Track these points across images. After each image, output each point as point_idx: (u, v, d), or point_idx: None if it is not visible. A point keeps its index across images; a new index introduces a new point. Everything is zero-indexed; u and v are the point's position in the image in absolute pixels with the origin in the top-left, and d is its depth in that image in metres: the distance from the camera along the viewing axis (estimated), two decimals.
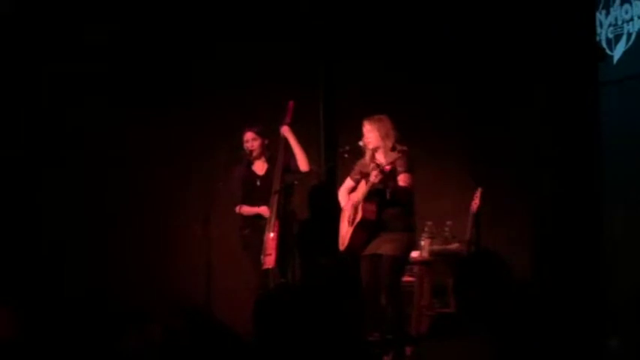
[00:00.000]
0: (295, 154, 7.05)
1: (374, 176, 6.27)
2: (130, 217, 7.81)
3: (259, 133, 7.17)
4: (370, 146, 6.51)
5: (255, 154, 7.18)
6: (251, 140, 7.16)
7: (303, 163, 7.05)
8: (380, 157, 6.47)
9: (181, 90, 7.82)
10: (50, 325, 6.85)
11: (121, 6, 7.72)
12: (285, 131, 7.10)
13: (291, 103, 7.20)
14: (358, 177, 6.66)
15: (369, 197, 6.43)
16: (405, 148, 6.31)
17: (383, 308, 6.41)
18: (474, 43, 7.61)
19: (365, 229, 6.48)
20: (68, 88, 7.72)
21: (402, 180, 6.37)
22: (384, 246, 6.42)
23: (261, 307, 2.76)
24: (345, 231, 6.64)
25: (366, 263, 6.52)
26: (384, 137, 6.44)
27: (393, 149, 6.30)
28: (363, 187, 6.54)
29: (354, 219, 6.55)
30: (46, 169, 7.71)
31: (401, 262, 6.52)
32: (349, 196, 6.70)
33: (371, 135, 6.48)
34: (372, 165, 6.44)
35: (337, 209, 6.81)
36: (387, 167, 6.25)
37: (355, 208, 6.55)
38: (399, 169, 6.35)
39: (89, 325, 6.86)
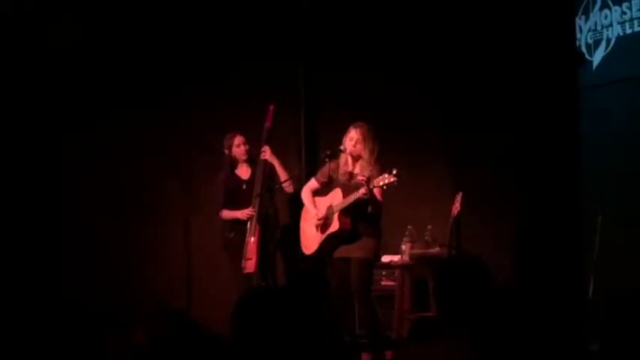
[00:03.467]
0: (279, 174, 7.06)
1: (362, 193, 6.23)
2: (110, 221, 7.76)
3: (245, 137, 7.18)
4: (353, 154, 6.47)
5: (244, 158, 7.18)
6: (242, 144, 7.17)
7: (288, 187, 7.07)
8: (358, 168, 6.45)
9: (162, 95, 7.78)
10: (33, 330, 6.84)
11: (106, 7, 7.71)
12: (269, 155, 7.06)
13: (271, 107, 7.19)
14: (325, 180, 6.63)
15: (347, 210, 6.41)
16: (381, 160, 6.31)
17: (356, 311, 6.41)
18: (454, 47, 7.62)
19: (340, 238, 6.49)
20: (45, 89, 7.67)
21: (378, 193, 6.35)
22: (353, 250, 6.43)
23: (239, 308, 2.75)
24: (313, 236, 6.61)
25: (336, 266, 6.53)
26: (370, 150, 6.40)
27: (377, 162, 6.28)
28: (336, 195, 6.52)
29: (326, 228, 6.52)
30: (24, 173, 7.65)
31: (370, 264, 6.52)
32: (315, 198, 6.68)
33: (358, 145, 6.43)
34: (345, 171, 6.42)
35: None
36: (377, 188, 6.22)
37: (327, 217, 6.52)
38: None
39: (73, 329, 6.83)
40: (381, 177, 6.16)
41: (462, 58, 7.60)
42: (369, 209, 6.35)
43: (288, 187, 7.07)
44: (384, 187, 6.21)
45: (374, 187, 6.19)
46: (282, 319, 2.67)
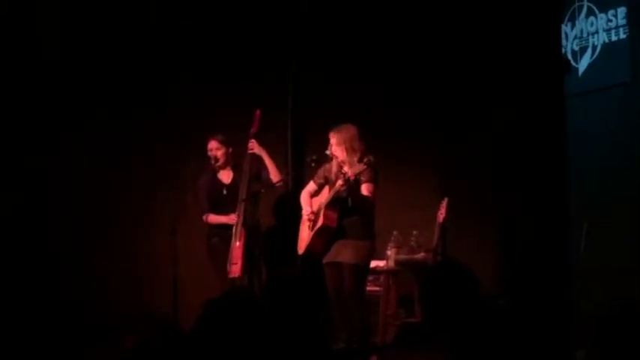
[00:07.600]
0: (267, 166, 7.05)
1: (339, 184, 6.29)
2: (97, 228, 7.72)
3: (223, 142, 7.15)
4: (335, 157, 6.52)
5: (219, 162, 7.16)
6: (215, 149, 7.15)
7: (275, 175, 7.05)
8: (346, 168, 6.47)
9: (149, 101, 7.75)
10: (20, 339, 6.80)
11: (94, 16, 7.68)
12: (257, 147, 7.07)
13: (257, 112, 7.18)
14: (322, 181, 6.67)
15: (331, 204, 6.44)
16: (371, 158, 6.31)
17: (348, 316, 6.41)
18: (442, 55, 7.64)
19: (324, 236, 6.49)
20: (33, 91, 7.64)
21: (365, 189, 6.39)
22: (343, 254, 6.43)
23: (212, 309, 2.74)
24: (306, 235, 6.64)
25: (329, 271, 6.53)
26: (349, 151, 6.42)
27: (360, 160, 6.29)
28: (326, 194, 6.55)
29: (314, 224, 6.55)
30: (6, 178, 7.61)
31: (362, 269, 6.51)
32: (311, 200, 6.71)
33: (337, 149, 6.48)
34: (337, 172, 6.44)
35: (299, 213, 6.81)
36: (353, 177, 6.26)
37: (316, 214, 6.56)
38: (363, 178, 6.36)
39: (59, 337, 6.80)
40: (355, 167, 6.24)
41: (449, 65, 7.62)
42: (349, 203, 6.37)
43: (275, 176, 7.04)
44: (358, 176, 6.25)
45: (349, 177, 6.23)
46: (251, 323, 2.66)
